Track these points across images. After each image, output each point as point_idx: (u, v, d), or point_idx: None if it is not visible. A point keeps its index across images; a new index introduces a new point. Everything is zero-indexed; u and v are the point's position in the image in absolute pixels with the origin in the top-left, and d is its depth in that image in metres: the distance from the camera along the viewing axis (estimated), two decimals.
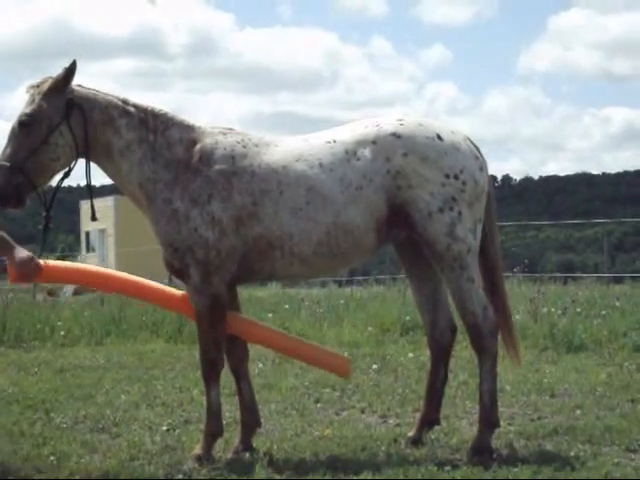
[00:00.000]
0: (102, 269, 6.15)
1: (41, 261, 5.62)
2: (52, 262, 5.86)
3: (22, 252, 5.56)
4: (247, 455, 5.70)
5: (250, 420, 5.92)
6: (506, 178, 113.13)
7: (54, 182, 5.68)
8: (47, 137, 5.46)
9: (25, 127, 5.44)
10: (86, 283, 6.36)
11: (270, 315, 14.15)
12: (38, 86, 5.53)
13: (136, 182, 5.66)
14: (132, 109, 5.67)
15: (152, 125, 5.67)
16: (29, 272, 5.54)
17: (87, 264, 6.83)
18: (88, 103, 5.57)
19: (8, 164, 5.38)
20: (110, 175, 5.79)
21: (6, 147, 5.45)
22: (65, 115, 5.50)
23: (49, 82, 5.51)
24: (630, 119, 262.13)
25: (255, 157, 5.65)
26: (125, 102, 5.68)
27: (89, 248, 43.18)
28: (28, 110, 5.47)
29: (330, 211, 5.57)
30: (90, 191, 5.82)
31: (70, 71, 5.51)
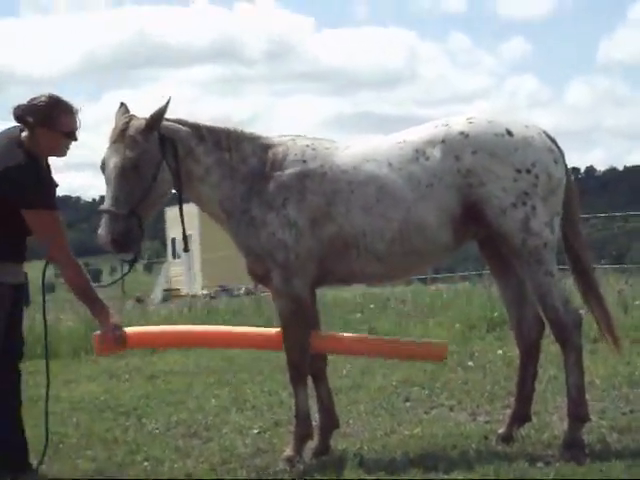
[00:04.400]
0: (183, 327, 6.18)
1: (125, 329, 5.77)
2: (135, 329, 5.99)
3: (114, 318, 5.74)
4: (334, 456, 5.72)
5: (328, 422, 5.95)
6: (590, 169, 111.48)
7: None
8: (156, 176, 5.51)
9: (135, 170, 5.45)
10: (174, 344, 6.31)
11: (357, 315, 14.15)
12: (126, 128, 5.50)
13: (216, 201, 5.75)
14: (205, 134, 5.73)
15: (225, 144, 5.73)
16: (118, 341, 5.65)
17: (167, 326, 6.89)
18: (175, 136, 5.64)
19: (125, 210, 5.40)
20: (192, 200, 5.89)
21: (117, 192, 5.42)
22: (162, 151, 5.56)
23: (142, 122, 5.52)
24: None
25: (326, 159, 5.72)
26: (198, 128, 5.73)
27: (175, 255, 43.70)
28: (136, 153, 5.46)
29: (400, 208, 5.61)
30: (182, 221, 5.87)
31: (164, 110, 5.53)
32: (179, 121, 5.73)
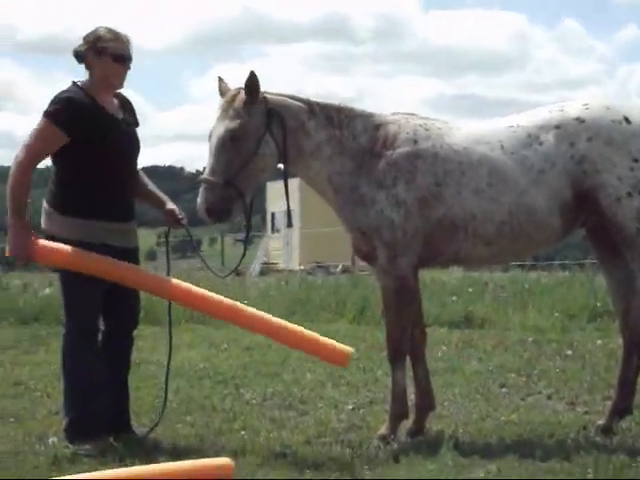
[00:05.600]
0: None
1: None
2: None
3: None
4: (432, 436, 5.72)
5: (425, 403, 5.94)
6: None
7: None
8: (257, 148, 5.57)
9: (236, 141, 5.52)
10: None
11: (454, 298, 14.06)
12: (233, 100, 5.59)
13: (325, 176, 5.76)
14: (317, 109, 5.75)
15: (337, 121, 5.74)
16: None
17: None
18: (284, 110, 5.67)
19: (221, 180, 5.48)
20: (299, 174, 5.91)
21: (215, 163, 5.52)
22: (267, 124, 5.60)
23: (242, 95, 5.58)
24: None
25: (437, 139, 5.69)
26: (310, 104, 5.76)
27: (274, 229, 44.01)
28: (237, 124, 5.52)
29: (512, 192, 5.57)
30: (287, 196, 5.88)
31: (254, 81, 5.54)
32: (291, 97, 5.76)
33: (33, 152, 5.53)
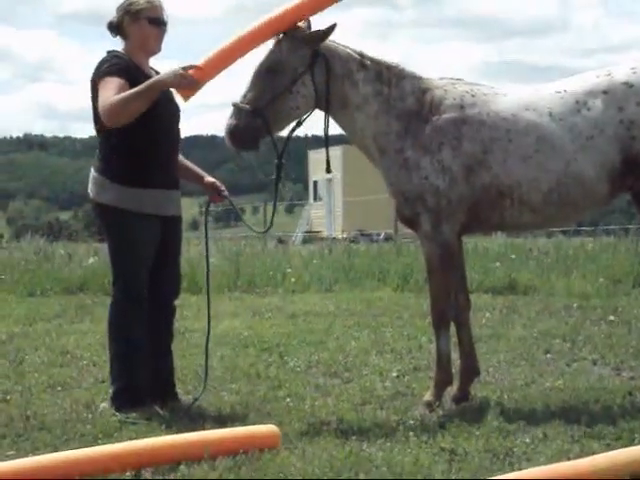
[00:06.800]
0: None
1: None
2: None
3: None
4: (477, 403, 5.71)
5: (469, 368, 5.91)
6: None
7: (286, 131, 5.80)
8: (291, 85, 5.56)
9: (271, 73, 5.55)
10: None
11: (497, 264, 14.02)
12: (292, 35, 5.58)
13: (370, 134, 5.72)
14: (368, 62, 5.71)
15: (386, 78, 5.70)
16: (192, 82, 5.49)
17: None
18: (331, 55, 5.64)
19: (250, 107, 5.51)
20: (343, 127, 5.86)
21: (248, 90, 5.56)
22: (310, 65, 5.59)
23: (303, 33, 5.58)
24: None
25: (484, 106, 5.62)
26: (362, 55, 5.72)
27: (316, 197, 44.04)
28: (276, 57, 5.57)
29: (560, 160, 5.50)
30: (327, 143, 5.88)
31: (327, 33, 5.57)
32: (344, 45, 5.73)
33: (107, 96, 5.42)
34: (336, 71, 5.63)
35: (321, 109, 5.72)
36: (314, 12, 5.66)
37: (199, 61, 5.54)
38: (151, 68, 5.84)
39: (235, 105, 5.53)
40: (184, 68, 5.44)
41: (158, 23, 5.73)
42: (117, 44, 5.80)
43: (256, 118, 5.50)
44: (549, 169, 5.53)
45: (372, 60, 5.73)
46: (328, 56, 5.61)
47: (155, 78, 5.49)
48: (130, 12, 5.67)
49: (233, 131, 5.51)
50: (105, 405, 5.69)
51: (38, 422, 5.43)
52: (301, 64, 5.57)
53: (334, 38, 5.66)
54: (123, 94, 5.40)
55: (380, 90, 5.68)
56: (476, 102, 5.65)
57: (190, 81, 5.45)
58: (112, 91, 5.43)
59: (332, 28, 5.58)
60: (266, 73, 5.55)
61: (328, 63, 5.60)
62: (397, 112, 5.66)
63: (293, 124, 5.75)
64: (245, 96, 5.56)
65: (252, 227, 6.35)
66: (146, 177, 5.62)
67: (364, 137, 5.76)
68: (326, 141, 5.89)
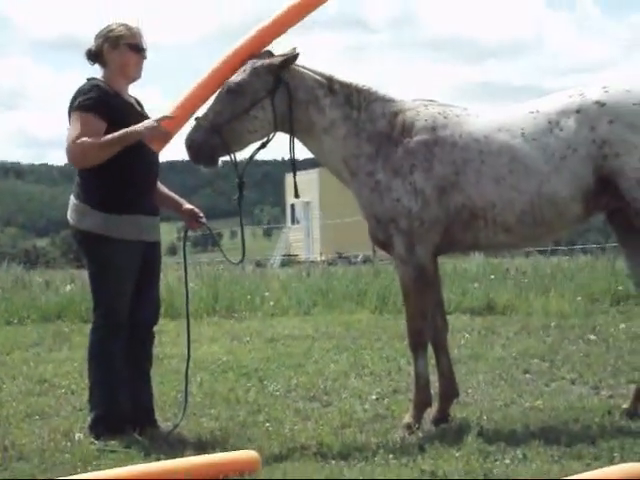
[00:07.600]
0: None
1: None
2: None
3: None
4: (457, 424, 5.71)
5: (448, 390, 5.92)
6: None
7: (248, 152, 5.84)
8: (250, 108, 5.61)
9: (233, 94, 5.61)
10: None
11: (475, 285, 14.04)
12: (254, 61, 5.65)
13: (339, 157, 5.75)
14: (337, 87, 5.74)
15: (356, 101, 5.73)
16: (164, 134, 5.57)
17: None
18: (294, 82, 5.68)
19: (208, 125, 5.57)
20: (311, 150, 5.91)
21: (210, 108, 5.64)
22: (270, 91, 5.63)
23: (267, 61, 5.63)
24: None
25: (456, 127, 5.64)
26: (331, 80, 5.75)
27: (294, 220, 44.06)
28: (238, 80, 5.62)
29: (533, 181, 5.51)
30: (294, 168, 5.93)
31: (290, 61, 5.63)
32: (314, 70, 5.77)
33: (75, 136, 5.52)
34: (299, 97, 5.67)
35: (285, 132, 5.75)
36: (275, 37, 5.75)
37: (169, 108, 5.60)
38: (130, 95, 5.86)
39: (196, 120, 5.61)
40: (157, 120, 5.50)
41: (138, 49, 5.77)
42: (94, 71, 5.82)
43: (214, 136, 5.56)
44: (522, 190, 5.54)
45: (341, 84, 5.76)
46: (291, 83, 5.65)
47: (129, 129, 5.52)
48: (110, 39, 5.71)
49: (191, 145, 5.61)
50: (80, 436, 5.64)
51: (16, 452, 5.38)
52: (263, 89, 5.62)
53: (304, 63, 5.71)
54: (95, 141, 5.47)
55: (349, 114, 5.71)
56: (448, 124, 5.67)
57: (162, 133, 5.54)
58: (78, 131, 5.51)
59: (294, 57, 5.65)
60: (228, 93, 5.62)
61: (290, 90, 5.64)
62: (367, 135, 5.69)
63: (257, 145, 5.80)
64: (206, 114, 5.63)
65: (229, 258, 6.37)
66: (127, 203, 5.63)
67: (333, 160, 5.79)
68: (293, 165, 5.93)
